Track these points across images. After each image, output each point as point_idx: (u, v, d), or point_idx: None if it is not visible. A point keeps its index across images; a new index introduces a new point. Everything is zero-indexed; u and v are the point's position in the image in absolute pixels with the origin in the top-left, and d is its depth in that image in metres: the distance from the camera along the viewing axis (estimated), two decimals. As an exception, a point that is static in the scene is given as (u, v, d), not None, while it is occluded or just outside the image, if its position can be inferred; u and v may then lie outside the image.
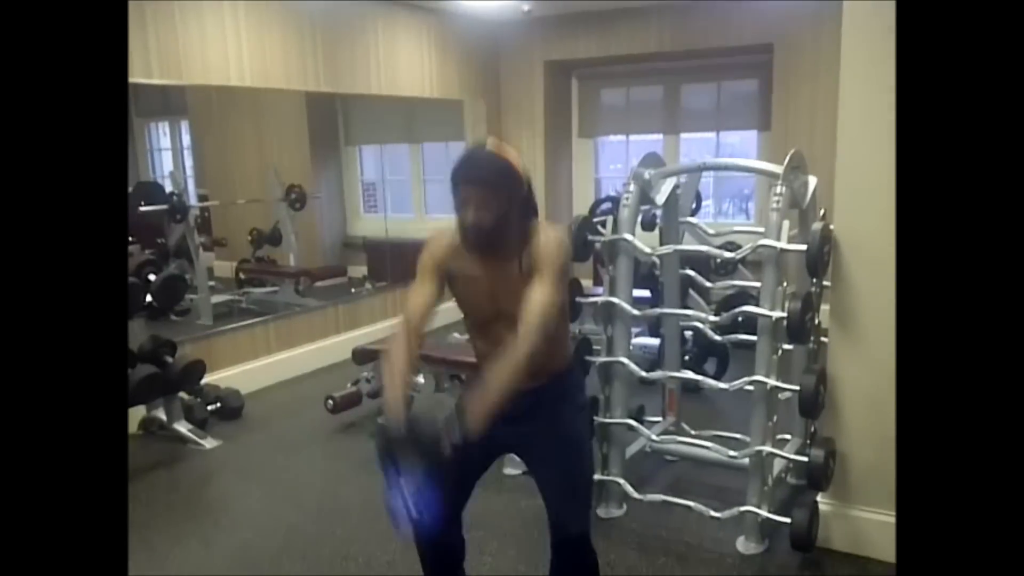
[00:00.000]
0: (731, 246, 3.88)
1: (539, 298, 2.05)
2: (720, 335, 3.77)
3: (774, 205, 3.05)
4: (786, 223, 3.05)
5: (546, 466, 2.31)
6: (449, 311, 2.35)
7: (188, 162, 7.84)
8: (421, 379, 4.45)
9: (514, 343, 2.02)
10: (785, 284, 3.09)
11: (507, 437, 2.24)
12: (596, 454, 3.44)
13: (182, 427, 4.49)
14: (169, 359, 4.43)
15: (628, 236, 3.31)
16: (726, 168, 6.05)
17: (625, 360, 3.35)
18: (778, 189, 3.07)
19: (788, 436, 3.58)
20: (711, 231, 4.12)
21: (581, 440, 2.34)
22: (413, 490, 1.94)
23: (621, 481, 3.39)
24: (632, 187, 3.40)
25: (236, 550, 3.33)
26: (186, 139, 7.85)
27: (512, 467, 3.78)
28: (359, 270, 7.40)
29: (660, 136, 7.63)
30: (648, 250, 3.42)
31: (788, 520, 2.98)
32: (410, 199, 8.00)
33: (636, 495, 3.34)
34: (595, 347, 3.52)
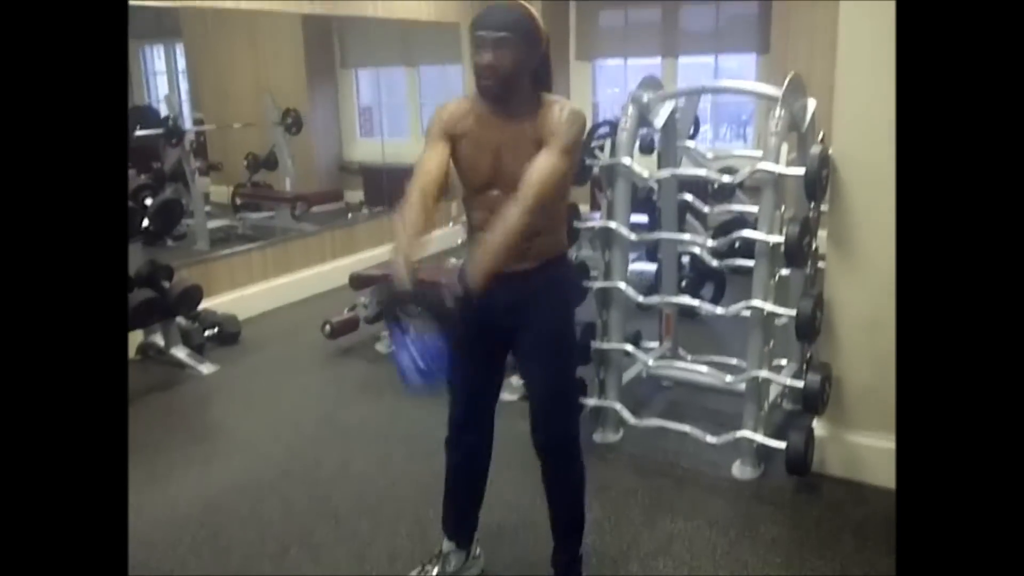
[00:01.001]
0: (729, 170, 3.82)
1: (544, 163, 2.04)
2: (717, 260, 3.76)
3: (773, 128, 3.00)
4: (784, 146, 3.00)
5: (531, 361, 2.32)
6: (447, 237, 2.32)
7: (183, 86, 7.73)
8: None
9: (513, 202, 2.02)
10: (783, 208, 3.06)
11: (503, 322, 2.25)
12: (592, 379, 3.47)
13: (180, 352, 4.51)
14: (166, 284, 4.42)
15: (626, 160, 3.27)
16: (725, 91, 5.96)
17: (622, 285, 3.34)
18: (777, 112, 3.01)
19: (785, 361, 3.60)
20: (709, 155, 4.06)
21: (566, 337, 2.35)
22: (418, 344, 1.96)
23: (618, 406, 3.41)
24: (630, 110, 3.34)
25: (235, 472, 3.36)
26: (181, 62, 7.71)
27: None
28: (356, 195, 7.35)
29: (658, 59, 7.48)
30: (646, 174, 3.38)
31: (783, 445, 3.01)
32: (407, 123, 7.89)
33: (633, 420, 3.37)
34: (592, 272, 3.50)
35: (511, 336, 2.31)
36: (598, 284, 3.39)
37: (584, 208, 6.02)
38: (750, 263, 3.14)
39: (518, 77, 2.06)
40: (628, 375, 3.65)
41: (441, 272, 4.52)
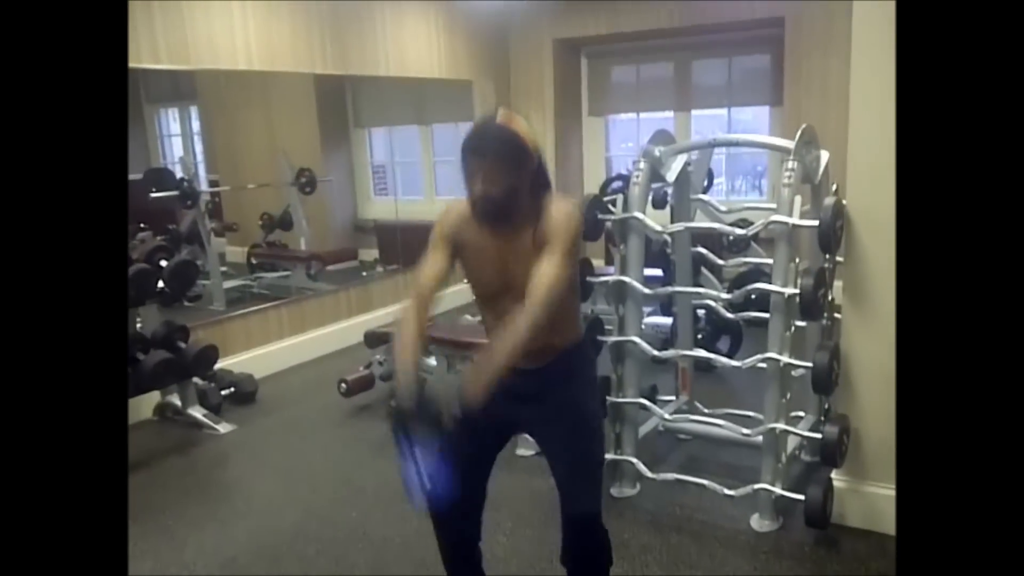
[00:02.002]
0: (743, 223, 3.84)
1: (547, 271, 2.03)
2: (733, 313, 3.75)
3: (786, 180, 3.02)
4: (798, 199, 3.02)
5: (556, 445, 2.29)
6: (461, 293, 2.34)
7: (198, 148, 7.85)
8: (433, 361, 4.46)
9: (519, 313, 2.01)
10: (798, 260, 3.07)
11: (518, 415, 2.25)
12: (609, 434, 3.44)
13: (196, 412, 4.52)
14: (182, 344, 4.45)
15: (638, 214, 3.29)
16: (737, 144, 5.99)
17: (637, 339, 3.33)
18: (789, 164, 3.03)
19: (802, 413, 3.57)
20: (723, 208, 4.08)
21: (592, 418, 2.31)
22: (426, 462, 1.97)
23: (634, 460, 3.38)
24: (642, 164, 3.37)
25: (252, 533, 3.34)
26: (196, 125, 7.85)
27: (525, 448, 3.78)
28: (370, 253, 7.40)
29: (671, 113, 7.57)
30: (659, 228, 3.39)
31: (802, 497, 2.97)
32: (420, 181, 7.98)
33: (649, 474, 3.34)
34: (607, 327, 3.50)
35: (524, 425, 2.29)
36: (612, 338, 3.39)
37: (599, 263, 6.03)
38: (766, 315, 3.13)
39: (512, 201, 2.05)
40: (644, 429, 3.62)
41: (454, 330, 4.53)
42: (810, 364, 2.98)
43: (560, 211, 2.08)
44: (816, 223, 2.91)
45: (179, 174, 6.37)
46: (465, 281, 2.26)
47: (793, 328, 3.10)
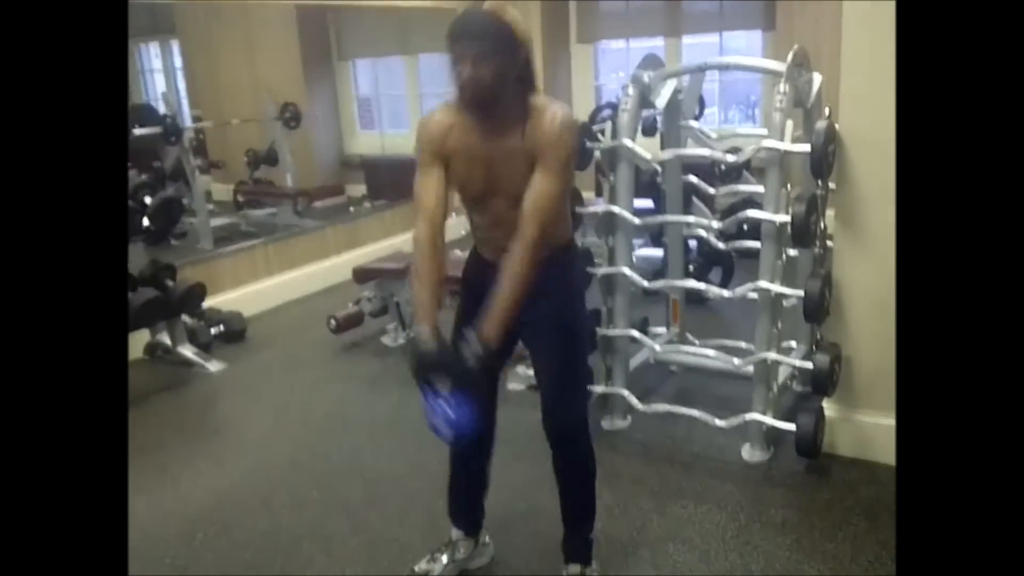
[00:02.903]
0: (735, 151, 3.77)
1: (541, 190, 2.02)
2: (725, 243, 3.71)
3: (777, 104, 2.95)
4: (790, 123, 2.95)
5: (542, 347, 2.30)
6: (450, 227, 2.29)
7: (181, 83, 7.70)
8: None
9: (516, 248, 2.02)
10: (789, 187, 3.01)
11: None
12: (599, 366, 3.43)
13: (186, 351, 4.50)
14: (170, 283, 4.41)
15: (628, 142, 3.22)
16: (727, 67, 5.85)
17: (627, 270, 3.29)
18: (781, 88, 2.96)
19: (794, 343, 3.55)
20: (714, 135, 4.00)
21: (578, 322, 2.33)
22: (449, 401, 2.01)
23: (625, 393, 3.37)
24: (631, 90, 3.29)
25: (245, 469, 3.36)
26: (178, 60, 7.69)
27: (516, 382, 3.77)
28: (357, 189, 7.32)
29: (662, 40, 7.40)
30: (648, 156, 3.32)
31: (793, 427, 2.97)
32: (407, 114, 7.84)
33: (641, 406, 3.33)
34: (596, 258, 3.46)
35: (518, 325, 2.28)
36: (602, 270, 3.35)
37: (588, 194, 5.96)
38: (758, 245, 3.09)
39: (501, 88, 2.00)
40: (635, 361, 3.61)
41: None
42: (801, 293, 2.95)
43: (556, 119, 2.03)
44: (808, 148, 2.85)
45: (162, 110, 6.25)
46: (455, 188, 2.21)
47: (785, 257, 3.06)
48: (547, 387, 2.29)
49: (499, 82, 1.99)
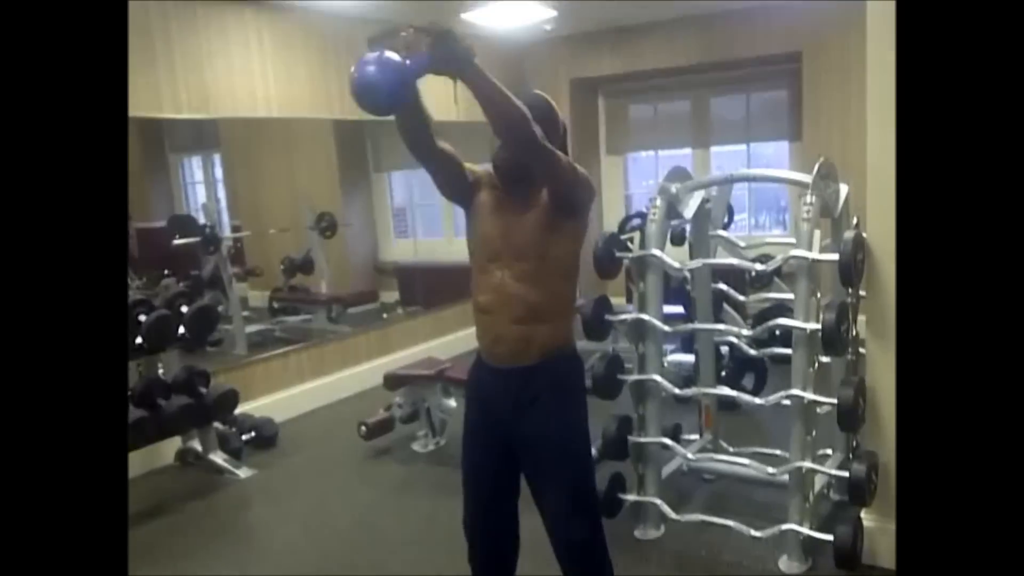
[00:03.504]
0: (765, 258, 3.80)
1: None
2: (757, 349, 3.69)
3: (804, 215, 2.98)
4: (817, 232, 2.98)
5: (538, 471, 2.25)
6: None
7: (221, 194, 7.94)
8: (452, 403, 4.43)
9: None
10: (819, 295, 3.02)
11: (507, 419, 2.21)
12: (632, 475, 3.38)
13: (217, 457, 4.50)
14: (203, 389, 4.44)
15: (656, 251, 3.26)
16: (754, 179, 5.97)
17: (658, 377, 3.28)
18: (807, 198, 3.00)
19: (829, 451, 3.49)
20: (743, 243, 4.04)
21: (575, 439, 2.25)
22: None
23: (658, 501, 3.31)
24: (659, 202, 3.35)
25: (272, 579, 3.31)
26: (219, 172, 7.95)
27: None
28: (391, 295, 7.41)
29: (690, 150, 7.56)
30: (677, 265, 3.36)
31: (831, 537, 2.89)
32: (440, 222, 8.00)
33: (674, 515, 3.26)
34: (627, 364, 3.45)
35: (515, 438, 2.25)
36: (633, 377, 3.34)
37: (619, 300, 5.99)
38: (790, 351, 3.08)
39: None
40: (668, 469, 3.56)
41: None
42: (835, 400, 2.91)
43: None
44: (836, 257, 2.87)
45: (202, 220, 6.43)
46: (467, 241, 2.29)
47: (817, 364, 3.04)
48: (549, 513, 2.24)
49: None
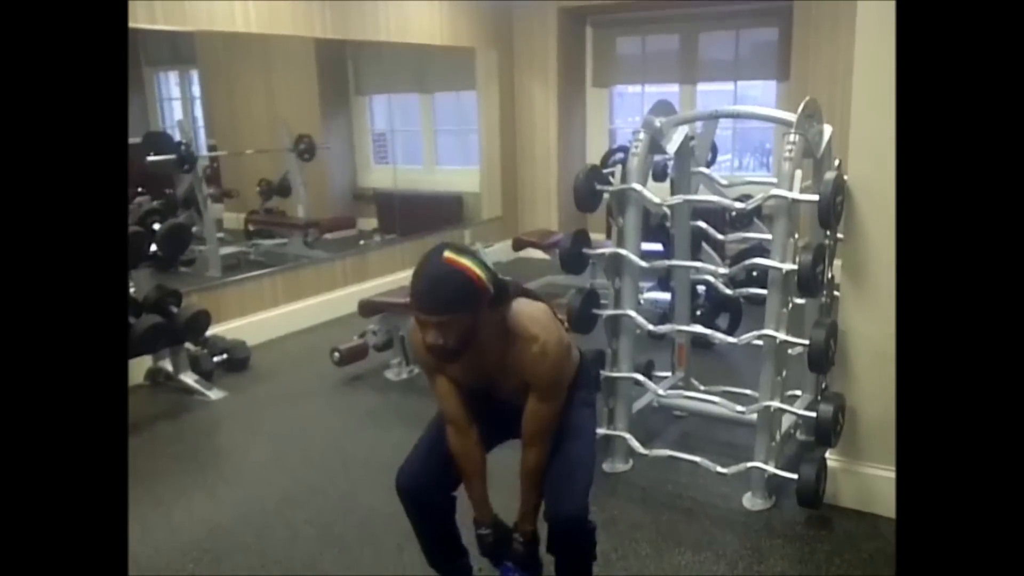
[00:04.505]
0: (745, 198, 3.77)
1: (539, 414, 2.17)
2: (733, 289, 3.69)
3: (786, 154, 2.95)
4: (798, 173, 2.95)
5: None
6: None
7: (199, 112, 7.78)
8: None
9: (525, 470, 2.23)
10: (797, 236, 3.00)
11: (512, 407, 2.23)
12: (602, 409, 3.40)
13: (188, 378, 4.49)
14: (174, 309, 4.40)
15: (637, 186, 3.22)
16: (739, 116, 5.89)
17: (632, 313, 3.28)
18: (791, 138, 2.96)
19: (799, 392, 3.52)
20: (724, 182, 4.00)
21: (575, 419, 2.30)
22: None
23: (627, 436, 3.34)
24: (642, 135, 3.30)
25: (240, 501, 3.32)
26: (196, 89, 7.77)
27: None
28: (369, 222, 7.34)
29: (677, 87, 7.46)
30: (658, 200, 3.33)
31: (795, 476, 2.93)
32: (420, 150, 7.89)
33: (642, 450, 3.29)
34: (603, 300, 3.44)
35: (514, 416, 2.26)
36: (608, 312, 3.33)
37: (599, 236, 5.96)
38: (766, 292, 3.08)
39: (470, 339, 2.00)
40: (639, 404, 3.58)
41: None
42: (807, 341, 2.93)
43: (543, 356, 2.08)
44: (816, 198, 2.84)
45: (177, 138, 6.30)
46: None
47: (791, 305, 3.04)
48: (545, 481, 2.25)
49: (467, 337, 1.98)
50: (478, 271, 1.95)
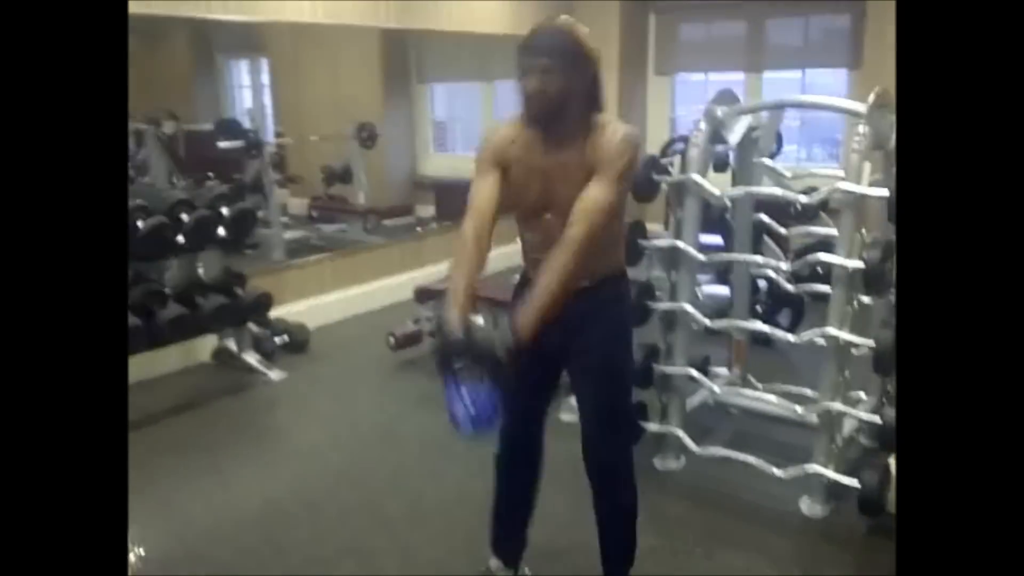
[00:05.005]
0: (811, 191, 3.66)
1: (594, 196, 1.98)
2: (796, 285, 3.59)
3: (855, 146, 2.85)
4: (867, 165, 2.84)
5: (585, 383, 2.27)
6: (512, 254, 2.28)
7: (267, 99, 7.92)
8: (480, 320, 4.40)
9: (561, 244, 1.97)
10: (864, 231, 2.90)
11: (556, 342, 2.17)
12: (654, 404, 3.35)
13: (251, 358, 4.58)
14: (239, 291, 4.50)
15: (696, 176, 3.15)
16: (804, 106, 5.72)
17: (688, 307, 3.21)
18: (860, 129, 2.86)
19: (863, 394, 3.41)
20: (789, 174, 3.89)
21: (622, 359, 2.27)
22: (472, 392, 1.98)
23: (680, 433, 3.28)
24: (703, 125, 3.22)
25: (295, 476, 3.40)
26: (266, 77, 7.92)
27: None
28: (427, 209, 7.38)
29: (742, 74, 7.29)
30: (717, 192, 3.25)
31: (857, 482, 2.83)
32: (480, 138, 7.89)
33: (695, 448, 3.23)
34: (658, 292, 3.38)
35: (565, 357, 2.25)
36: (663, 305, 3.27)
37: (656, 227, 5.88)
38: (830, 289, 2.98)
39: (566, 103, 1.99)
40: (693, 401, 3.51)
41: (500, 289, 4.46)
42: (872, 342, 2.83)
43: (617, 133, 2.01)
44: (885, 192, 2.74)
45: (247, 125, 6.44)
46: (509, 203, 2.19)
47: (857, 303, 2.94)
48: (588, 423, 2.25)
49: (565, 97, 1.98)
50: (588, 44, 2.03)
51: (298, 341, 4.94)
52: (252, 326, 4.68)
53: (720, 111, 3.24)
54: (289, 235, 6.46)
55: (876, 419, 2.87)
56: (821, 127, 7.45)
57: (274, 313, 4.80)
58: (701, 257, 3.20)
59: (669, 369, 3.28)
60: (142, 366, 4.23)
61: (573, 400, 3.44)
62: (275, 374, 4.53)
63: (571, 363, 2.26)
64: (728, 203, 3.60)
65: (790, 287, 3.53)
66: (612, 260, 2.21)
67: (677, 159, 3.29)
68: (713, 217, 4.33)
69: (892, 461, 2.91)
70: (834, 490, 3.01)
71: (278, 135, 7.40)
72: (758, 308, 4.62)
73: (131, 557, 2.20)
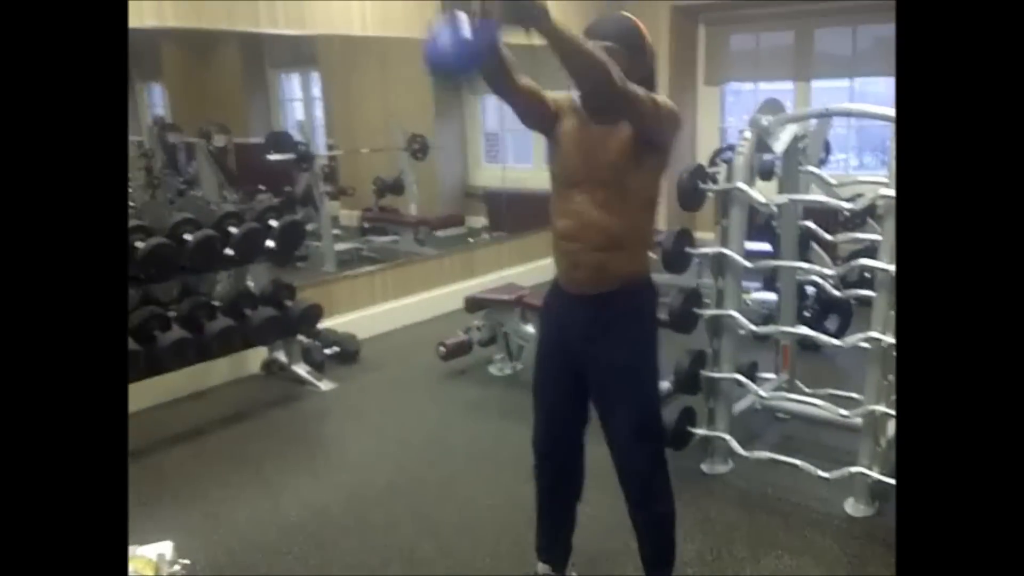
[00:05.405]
0: (858, 198, 3.65)
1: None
2: (843, 291, 3.58)
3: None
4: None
5: (607, 395, 2.27)
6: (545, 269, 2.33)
7: (318, 112, 8.05)
8: (530, 328, 4.45)
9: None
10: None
11: (579, 349, 2.23)
12: (702, 409, 3.37)
13: (300, 369, 4.66)
14: (288, 302, 4.58)
15: (741, 184, 3.18)
16: (849, 114, 5.67)
17: (735, 313, 3.23)
18: (904, 134, 2.86)
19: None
20: (834, 181, 3.88)
21: (645, 367, 2.26)
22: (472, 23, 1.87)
23: (727, 437, 3.30)
24: (748, 134, 3.25)
25: (344, 486, 3.44)
26: (316, 90, 8.05)
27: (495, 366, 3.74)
28: (478, 220, 7.44)
29: (791, 83, 7.27)
30: (763, 200, 3.27)
31: (902, 484, 2.83)
32: (531, 149, 7.95)
33: (743, 452, 3.25)
34: (705, 299, 3.41)
35: (584, 365, 2.26)
36: (710, 312, 3.30)
37: (707, 235, 5.87)
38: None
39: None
40: (740, 406, 3.53)
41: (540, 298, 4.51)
42: (917, 346, 2.82)
43: (656, 96, 2.09)
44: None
45: (297, 138, 6.56)
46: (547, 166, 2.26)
47: (900, 307, 2.94)
48: (615, 437, 2.27)
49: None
50: (646, 35, 2.14)
51: (349, 352, 5.02)
52: (302, 337, 4.78)
53: (765, 120, 3.26)
54: (340, 247, 6.56)
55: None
56: (873, 135, 7.37)
57: (325, 324, 4.89)
58: (747, 264, 3.22)
59: (716, 374, 3.30)
60: (192, 378, 4.35)
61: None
62: (325, 384, 4.61)
63: (592, 377, 2.27)
64: (775, 210, 3.61)
65: (837, 293, 3.52)
66: (635, 264, 2.21)
67: (723, 168, 3.31)
68: (760, 224, 4.34)
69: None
70: (878, 490, 3.01)
71: (329, 147, 7.52)
72: (806, 314, 4.60)
73: (177, 568, 2.25)
